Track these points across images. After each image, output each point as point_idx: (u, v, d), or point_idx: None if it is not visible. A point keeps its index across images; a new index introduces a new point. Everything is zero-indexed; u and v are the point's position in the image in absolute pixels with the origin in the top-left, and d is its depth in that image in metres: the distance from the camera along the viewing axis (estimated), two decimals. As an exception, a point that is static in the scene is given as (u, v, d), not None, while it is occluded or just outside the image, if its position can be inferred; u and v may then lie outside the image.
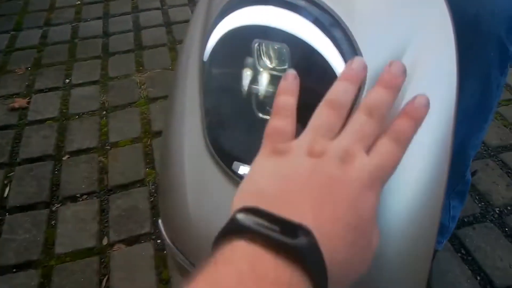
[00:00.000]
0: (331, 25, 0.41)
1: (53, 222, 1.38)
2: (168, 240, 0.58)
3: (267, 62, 0.45)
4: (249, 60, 0.45)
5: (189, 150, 0.50)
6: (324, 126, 0.34)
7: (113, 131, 1.70)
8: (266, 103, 0.46)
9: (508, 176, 1.41)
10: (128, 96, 1.88)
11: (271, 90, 0.44)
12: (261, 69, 0.45)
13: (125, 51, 2.16)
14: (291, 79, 0.37)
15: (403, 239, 0.47)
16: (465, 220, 1.29)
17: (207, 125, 0.49)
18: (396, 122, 0.34)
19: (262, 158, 0.33)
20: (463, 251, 1.20)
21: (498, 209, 1.31)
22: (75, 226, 1.36)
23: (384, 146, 0.33)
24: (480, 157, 1.48)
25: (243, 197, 0.31)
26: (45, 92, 1.94)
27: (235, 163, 0.47)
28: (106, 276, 1.22)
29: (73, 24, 2.41)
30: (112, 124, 1.74)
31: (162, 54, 2.12)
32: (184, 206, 0.52)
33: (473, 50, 0.62)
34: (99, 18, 2.45)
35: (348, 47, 0.41)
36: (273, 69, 0.44)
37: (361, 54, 0.41)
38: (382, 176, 0.32)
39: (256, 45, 0.44)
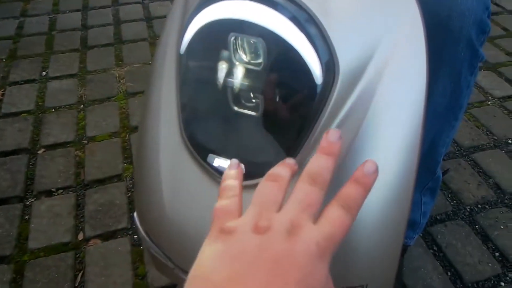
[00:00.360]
0: (305, 20, 0.42)
1: (27, 217, 1.35)
2: (143, 233, 0.58)
3: (243, 56, 0.45)
4: (225, 53, 0.45)
5: (165, 143, 0.50)
6: (268, 199, 0.33)
7: (90, 125, 1.68)
8: (241, 97, 0.47)
9: (479, 175, 1.45)
10: (107, 90, 1.86)
11: (246, 83, 0.45)
12: (237, 63, 0.45)
13: (104, 45, 2.13)
14: (235, 167, 0.39)
15: (372, 233, 0.48)
16: (438, 217, 1.32)
17: (182, 118, 0.49)
18: (344, 189, 0.34)
19: (210, 240, 0.32)
20: (435, 248, 1.24)
21: (469, 207, 1.35)
22: (50, 221, 1.34)
23: (333, 213, 0.32)
24: (453, 156, 1.52)
25: (192, 283, 0.30)
26: (21, 84, 1.90)
27: (210, 156, 0.48)
28: (81, 272, 1.21)
29: (50, 16, 2.36)
30: (90, 118, 1.72)
31: (142, 48, 2.10)
32: (159, 198, 0.52)
33: (445, 50, 0.64)
34: (77, 10, 2.41)
35: (322, 42, 0.42)
36: (248, 62, 0.45)
37: (334, 50, 0.42)
38: (332, 245, 0.30)
39: (232, 38, 0.44)
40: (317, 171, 0.34)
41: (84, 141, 1.62)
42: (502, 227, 1.29)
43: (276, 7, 0.42)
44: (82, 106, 1.78)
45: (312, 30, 0.42)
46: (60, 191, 1.44)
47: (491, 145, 1.57)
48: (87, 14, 2.37)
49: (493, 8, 2.41)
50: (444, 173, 1.20)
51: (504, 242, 1.25)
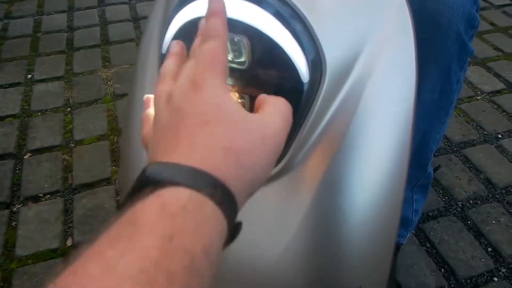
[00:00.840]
0: (291, 17, 0.41)
1: (14, 224, 1.32)
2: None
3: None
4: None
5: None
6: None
7: (78, 128, 1.65)
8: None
9: (470, 170, 1.45)
10: (94, 92, 1.83)
11: (230, 83, 0.43)
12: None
13: (91, 46, 2.10)
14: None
15: (365, 233, 0.47)
16: (430, 214, 1.31)
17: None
18: (201, 26, 0.34)
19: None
20: (428, 245, 1.23)
21: (460, 203, 1.35)
22: (38, 227, 1.32)
23: (201, 48, 0.32)
24: (443, 152, 1.52)
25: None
26: (5, 88, 1.86)
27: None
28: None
29: (35, 17, 2.32)
30: (77, 121, 1.69)
31: (129, 49, 2.08)
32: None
33: (434, 45, 0.63)
34: (63, 11, 2.38)
35: (308, 39, 0.40)
36: (232, 61, 0.43)
37: (321, 47, 0.41)
38: (211, 67, 0.30)
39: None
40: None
41: (72, 145, 1.59)
42: (494, 222, 1.29)
43: (260, 3, 0.41)
44: (69, 109, 1.75)
45: (298, 27, 0.41)
46: (48, 196, 1.41)
47: (481, 140, 1.57)
48: (72, 15, 2.34)
49: (481, 3, 2.42)
50: (435, 169, 1.19)
51: (496, 237, 1.25)
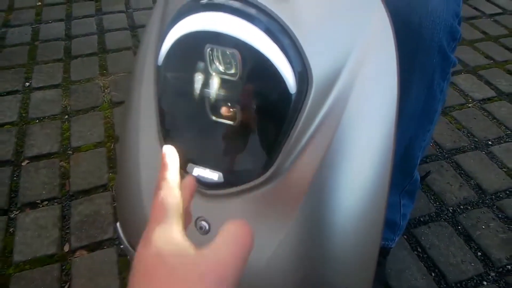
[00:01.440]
0: (278, 32, 0.43)
1: (11, 230, 1.34)
2: (126, 243, 0.58)
3: (219, 66, 0.46)
4: (201, 64, 0.46)
5: (145, 153, 0.51)
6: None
7: (75, 135, 1.67)
8: (218, 106, 0.48)
9: (461, 176, 1.48)
10: (91, 100, 1.85)
11: (222, 93, 0.46)
12: (213, 73, 0.46)
13: (88, 54, 2.12)
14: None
15: (350, 235, 0.49)
16: (421, 219, 1.34)
17: (162, 128, 0.50)
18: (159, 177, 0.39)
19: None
20: (419, 249, 1.25)
21: (451, 208, 1.37)
22: (35, 233, 1.33)
23: (154, 201, 0.36)
24: (435, 159, 1.54)
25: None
26: (3, 95, 1.88)
27: (190, 165, 0.49)
28: (68, 283, 1.20)
29: (33, 26, 2.35)
30: (74, 129, 1.71)
31: (126, 57, 2.10)
32: (141, 209, 0.53)
33: (417, 57, 0.66)
34: (61, 20, 2.40)
35: (295, 53, 0.43)
36: (224, 73, 0.46)
37: (307, 60, 0.44)
38: (159, 218, 0.34)
39: (208, 50, 0.45)
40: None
41: (69, 152, 1.61)
42: (483, 227, 1.32)
43: (249, 19, 0.43)
44: (66, 117, 1.77)
45: (285, 41, 0.43)
46: (45, 202, 1.43)
47: (472, 146, 1.60)
48: (70, 24, 2.37)
49: (472, 12, 2.47)
50: (425, 175, 1.22)
51: (486, 242, 1.27)
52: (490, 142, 1.62)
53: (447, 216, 1.35)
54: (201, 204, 0.49)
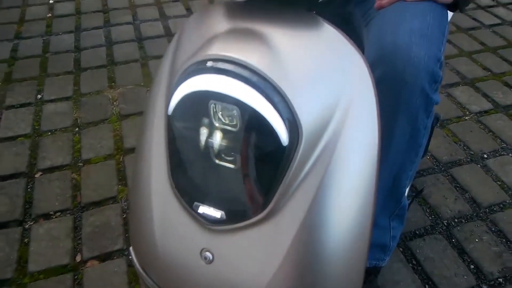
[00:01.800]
0: (271, 91, 0.50)
1: (26, 240, 1.41)
2: (139, 267, 0.65)
3: (221, 118, 0.53)
4: (206, 116, 0.53)
5: (156, 192, 0.57)
6: None
7: (85, 148, 1.75)
8: (221, 152, 0.54)
9: (457, 190, 1.53)
10: (101, 112, 1.92)
11: (224, 142, 0.52)
12: (216, 124, 0.53)
13: (97, 67, 2.20)
14: None
15: (337, 264, 0.56)
16: (417, 232, 1.40)
17: (171, 169, 0.57)
18: None
19: None
20: (414, 262, 1.31)
21: (446, 221, 1.43)
22: (49, 244, 1.40)
23: None
24: (431, 172, 1.60)
25: None
26: (17, 108, 1.96)
27: (195, 204, 0.55)
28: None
29: (44, 38, 2.43)
30: (84, 141, 1.78)
31: (134, 70, 2.17)
32: (153, 239, 0.60)
33: (401, 99, 0.72)
34: (70, 32, 2.48)
35: (286, 109, 0.50)
36: (226, 124, 0.52)
37: (296, 114, 0.50)
38: None
39: (212, 105, 0.52)
40: None
41: (80, 164, 1.68)
42: (477, 240, 1.37)
43: (246, 81, 0.50)
44: (77, 129, 1.85)
45: (277, 99, 0.50)
46: (58, 214, 1.50)
47: (468, 160, 1.66)
48: (79, 36, 2.44)
49: (471, 23, 2.51)
50: (419, 192, 1.28)
51: (479, 255, 1.33)
52: (485, 155, 1.67)
53: (442, 229, 1.41)
54: (206, 237, 0.56)
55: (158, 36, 2.43)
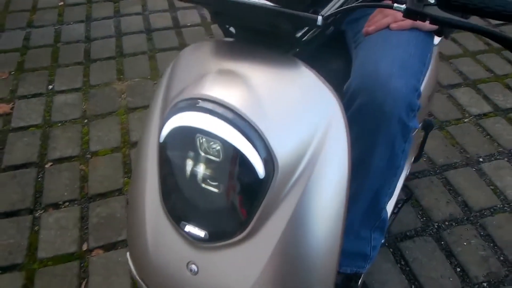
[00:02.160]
0: (250, 130, 0.56)
1: (36, 228, 1.49)
2: (135, 273, 0.72)
3: (207, 149, 0.58)
4: (192, 150, 0.58)
5: (150, 209, 0.64)
6: None
7: (93, 140, 1.82)
8: (206, 178, 0.60)
9: (450, 193, 1.58)
10: (109, 105, 1.98)
11: (208, 169, 0.58)
12: (202, 153, 0.59)
13: (106, 58, 2.25)
14: None
15: (309, 273, 0.62)
16: (407, 233, 1.45)
17: (162, 191, 0.63)
18: None
19: None
20: (402, 262, 1.37)
21: (437, 224, 1.48)
22: (57, 232, 1.48)
23: None
24: (426, 174, 1.65)
25: None
26: (29, 98, 2.03)
27: (182, 223, 0.61)
28: (85, 280, 1.36)
29: (56, 27, 2.48)
30: (93, 133, 1.85)
31: (141, 62, 2.22)
32: (146, 250, 0.66)
33: (380, 126, 0.77)
34: (81, 21, 2.53)
35: (263, 146, 0.55)
36: (210, 154, 0.58)
37: (273, 151, 0.56)
38: None
39: (198, 138, 0.57)
40: None
41: (88, 156, 1.75)
42: (465, 243, 1.42)
43: (228, 120, 0.56)
44: (86, 121, 1.91)
45: (255, 137, 0.56)
46: (66, 204, 1.58)
47: (464, 163, 1.70)
48: (90, 26, 2.49)
49: (478, 22, 2.50)
50: (406, 199, 1.33)
51: (466, 258, 1.38)
52: (481, 159, 1.71)
53: (432, 231, 1.46)
54: (191, 252, 0.62)
55: (167, 28, 2.47)
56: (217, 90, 0.58)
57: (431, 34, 0.87)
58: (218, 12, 0.65)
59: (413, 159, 1.36)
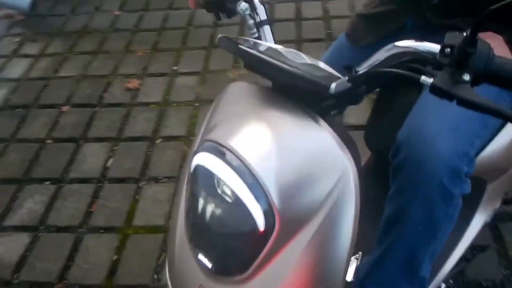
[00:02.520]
0: (253, 181, 0.60)
1: (137, 197, 1.71)
2: (169, 284, 0.82)
3: (222, 190, 0.64)
4: (210, 189, 0.64)
5: (180, 231, 0.73)
6: None
7: (199, 123, 1.98)
8: (218, 214, 0.66)
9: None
10: (219, 91, 2.12)
11: (219, 211, 0.63)
12: (219, 192, 0.64)
13: (227, 45, 2.38)
14: None
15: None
16: (483, 283, 1.31)
17: (186, 217, 0.71)
18: None
19: None
20: None
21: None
22: (153, 204, 1.68)
23: None
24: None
25: None
26: (156, 76, 2.28)
27: (197, 250, 0.69)
28: (165, 253, 1.53)
29: (190, 10, 2.69)
30: (201, 116, 2.02)
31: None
32: (173, 265, 0.76)
33: (419, 187, 0.73)
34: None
35: (263, 197, 0.59)
36: (226, 194, 0.63)
37: (274, 204, 0.58)
38: None
39: (216, 178, 0.63)
40: None
41: (192, 138, 1.92)
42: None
43: (235, 168, 0.61)
44: (197, 104, 2.09)
45: (256, 188, 0.59)
46: (165, 179, 1.77)
47: None
48: (220, 11, 2.64)
49: None
50: (482, 250, 1.20)
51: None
52: None
53: (517, 288, 1.30)
54: (203, 277, 0.69)
55: (318, 18, 2.49)
56: (236, 138, 0.63)
57: (505, 90, 0.74)
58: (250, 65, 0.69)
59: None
